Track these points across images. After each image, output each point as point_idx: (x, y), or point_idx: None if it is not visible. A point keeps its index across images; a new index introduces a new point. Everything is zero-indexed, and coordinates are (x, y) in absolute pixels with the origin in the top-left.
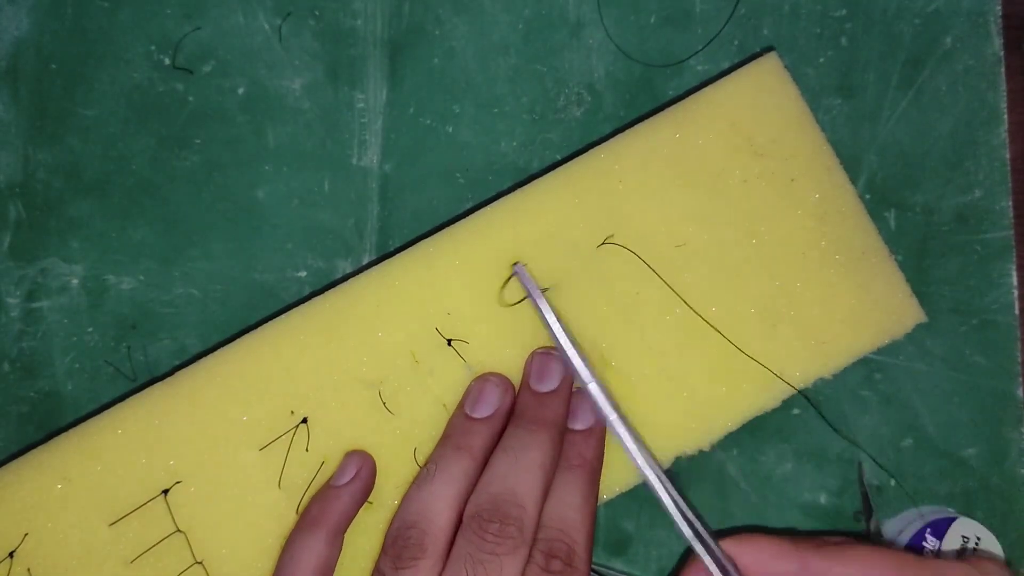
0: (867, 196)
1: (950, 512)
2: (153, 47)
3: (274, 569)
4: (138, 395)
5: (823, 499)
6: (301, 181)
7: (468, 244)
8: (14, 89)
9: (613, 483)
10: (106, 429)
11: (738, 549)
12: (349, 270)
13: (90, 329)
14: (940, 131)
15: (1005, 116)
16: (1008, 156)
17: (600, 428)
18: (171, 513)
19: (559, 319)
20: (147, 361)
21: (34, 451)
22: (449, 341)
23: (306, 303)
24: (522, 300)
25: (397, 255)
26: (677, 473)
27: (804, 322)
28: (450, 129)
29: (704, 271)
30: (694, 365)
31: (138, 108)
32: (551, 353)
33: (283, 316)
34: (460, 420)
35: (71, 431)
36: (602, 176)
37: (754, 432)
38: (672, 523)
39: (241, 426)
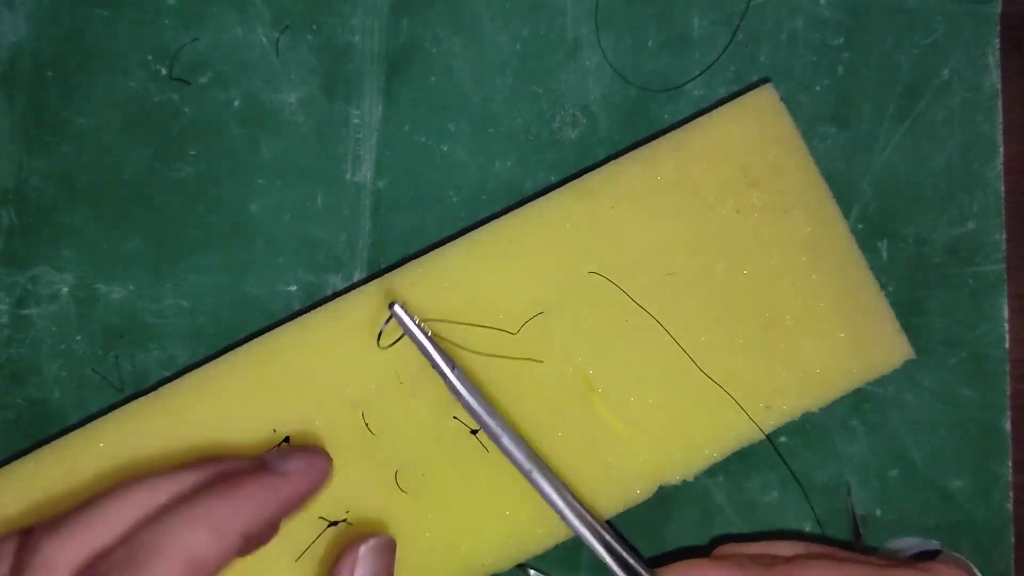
0: (860, 226)
1: (934, 544)
2: (150, 57)
3: None
4: (121, 409)
5: (808, 527)
6: (294, 195)
7: (459, 267)
8: (9, 95)
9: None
10: (89, 441)
11: None
12: (340, 286)
13: (79, 337)
14: (935, 162)
15: (1001, 149)
16: (1003, 189)
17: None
18: None
19: (452, 362)
20: (134, 371)
21: (14, 463)
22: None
23: (293, 320)
24: (398, 340)
25: (386, 275)
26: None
27: (793, 355)
28: (445, 147)
29: (694, 300)
30: (679, 394)
31: (133, 118)
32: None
33: (271, 333)
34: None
35: (53, 443)
36: (595, 201)
37: (740, 459)
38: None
39: (223, 442)
